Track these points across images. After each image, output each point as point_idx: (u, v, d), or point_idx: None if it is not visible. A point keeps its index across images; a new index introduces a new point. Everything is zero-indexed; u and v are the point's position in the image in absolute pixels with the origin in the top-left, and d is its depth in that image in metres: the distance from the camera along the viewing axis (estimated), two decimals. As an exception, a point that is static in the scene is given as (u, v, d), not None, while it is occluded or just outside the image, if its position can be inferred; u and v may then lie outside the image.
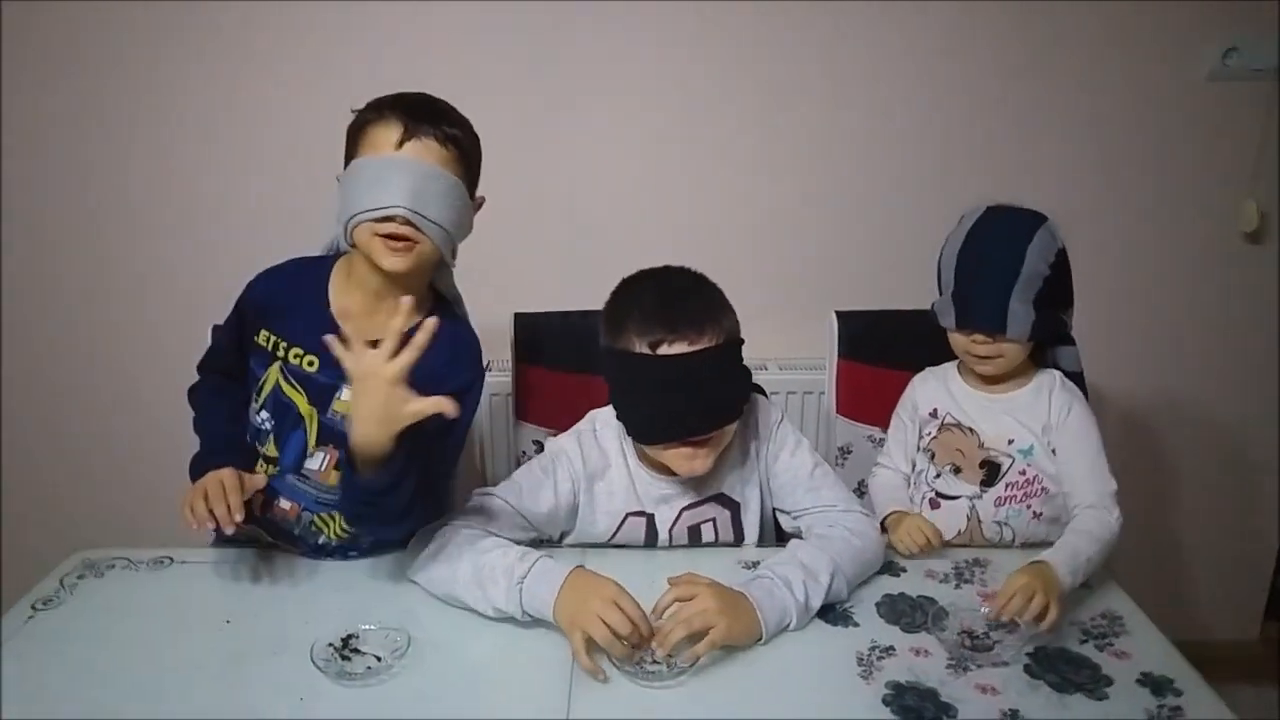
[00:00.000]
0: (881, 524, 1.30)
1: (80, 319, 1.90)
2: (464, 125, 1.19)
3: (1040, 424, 1.27)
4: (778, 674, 1.02)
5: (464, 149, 1.18)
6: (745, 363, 1.21)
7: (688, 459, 1.17)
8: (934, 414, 1.35)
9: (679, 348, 1.12)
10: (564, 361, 1.55)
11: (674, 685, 0.99)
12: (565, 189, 1.82)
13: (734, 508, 1.27)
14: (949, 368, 1.37)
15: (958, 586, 1.18)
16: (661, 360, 1.12)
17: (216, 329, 1.50)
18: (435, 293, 1.28)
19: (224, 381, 1.32)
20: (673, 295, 1.16)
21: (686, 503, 1.25)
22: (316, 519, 1.24)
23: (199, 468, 1.18)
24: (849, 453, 1.59)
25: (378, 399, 1.02)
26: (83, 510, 1.99)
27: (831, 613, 1.11)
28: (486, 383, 1.34)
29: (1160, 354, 1.95)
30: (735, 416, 1.18)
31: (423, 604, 1.13)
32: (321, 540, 1.25)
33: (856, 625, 1.10)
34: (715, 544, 1.28)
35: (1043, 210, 1.26)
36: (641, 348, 1.13)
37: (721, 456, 1.22)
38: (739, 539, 1.29)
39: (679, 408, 1.13)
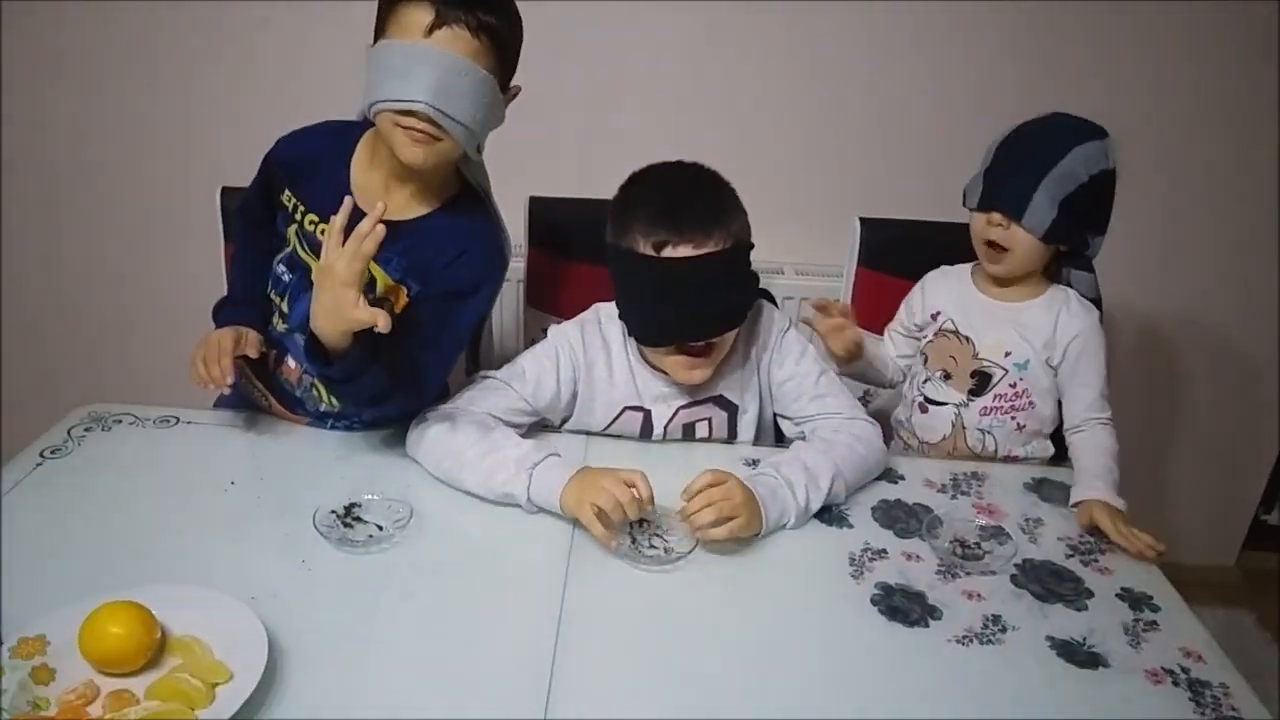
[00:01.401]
0: None
1: (90, 180, 1.86)
2: (502, 8, 1.10)
3: (1043, 339, 1.27)
4: (770, 567, 1.04)
5: (499, 38, 1.09)
6: (759, 266, 1.18)
7: (686, 368, 1.17)
8: (935, 316, 1.34)
9: (683, 251, 1.09)
10: (578, 250, 1.52)
11: (669, 570, 1.01)
12: (590, 76, 1.75)
13: (731, 410, 1.27)
14: (965, 269, 1.35)
15: (954, 497, 1.19)
16: (665, 262, 1.10)
17: (225, 190, 1.48)
18: (463, 182, 1.23)
19: (252, 229, 1.30)
20: (681, 195, 1.12)
21: (684, 402, 1.25)
22: (315, 383, 1.24)
23: (215, 317, 1.25)
24: (856, 360, 1.58)
25: (330, 296, 1.01)
26: (88, 369, 2.01)
27: (827, 514, 1.13)
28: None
29: (1177, 280, 1.91)
30: (737, 323, 1.17)
31: (425, 478, 1.14)
32: (323, 408, 1.26)
33: (851, 527, 1.12)
34: (709, 439, 1.28)
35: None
36: (645, 248, 1.10)
37: (723, 360, 1.21)
38: (732, 440, 1.29)
39: (680, 311, 1.12)
